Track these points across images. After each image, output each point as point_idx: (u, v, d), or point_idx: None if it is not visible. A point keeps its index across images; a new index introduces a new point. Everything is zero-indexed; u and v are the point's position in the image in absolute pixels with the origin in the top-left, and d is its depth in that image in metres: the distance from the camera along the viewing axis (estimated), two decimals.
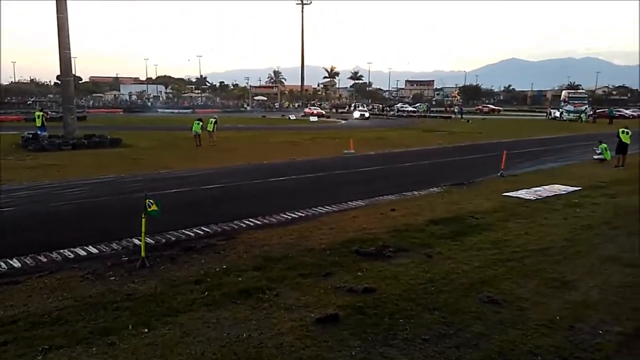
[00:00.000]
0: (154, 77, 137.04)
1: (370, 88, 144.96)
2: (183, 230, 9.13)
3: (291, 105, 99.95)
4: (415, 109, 79.69)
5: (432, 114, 74.06)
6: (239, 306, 5.77)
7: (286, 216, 10.50)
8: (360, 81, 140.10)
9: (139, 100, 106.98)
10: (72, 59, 25.84)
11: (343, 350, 4.78)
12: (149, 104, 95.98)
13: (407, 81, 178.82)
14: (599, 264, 7.49)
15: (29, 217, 10.25)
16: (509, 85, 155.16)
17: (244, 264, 7.28)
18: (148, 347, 4.82)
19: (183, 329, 5.18)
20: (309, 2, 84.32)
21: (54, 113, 40.05)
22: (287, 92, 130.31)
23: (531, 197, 12.61)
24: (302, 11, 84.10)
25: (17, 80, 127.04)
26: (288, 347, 4.82)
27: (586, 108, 59.36)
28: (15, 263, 7.28)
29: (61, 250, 7.82)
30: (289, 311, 5.64)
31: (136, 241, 8.18)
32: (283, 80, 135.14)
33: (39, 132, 24.67)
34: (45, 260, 7.45)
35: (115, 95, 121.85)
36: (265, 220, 10.09)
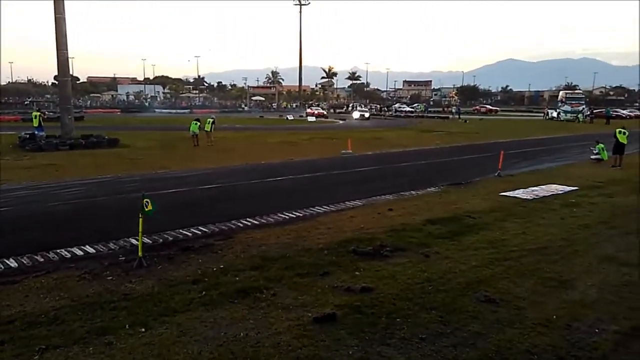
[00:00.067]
0: (151, 77, 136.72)
1: (368, 88, 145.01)
2: (180, 230, 9.12)
3: (289, 106, 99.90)
4: (412, 109, 79.66)
5: (429, 115, 74.04)
6: (237, 306, 5.77)
7: (284, 216, 10.50)
8: (358, 81, 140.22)
9: (137, 101, 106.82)
10: (70, 59, 25.79)
11: (340, 350, 4.78)
12: (147, 104, 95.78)
13: (404, 81, 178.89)
14: (596, 264, 7.50)
15: (26, 217, 10.23)
16: (507, 86, 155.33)
17: (242, 263, 7.28)
18: (145, 346, 4.81)
19: (180, 329, 5.18)
20: (307, 2, 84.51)
21: (51, 113, 39.97)
22: (285, 92, 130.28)
23: (528, 197, 12.64)
24: (300, 12, 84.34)
25: (14, 80, 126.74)
26: (285, 347, 4.82)
27: (583, 108, 59.50)
28: (12, 263, 7.26)
29: (58, 250, 7.81)
30: (287, 311, 5.64)
31: (133, 241, 8.16)
32: (281, 81, 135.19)
33: (36, 132, 24.61)
34: (42, 260, 7.44)
35: (112, 95, 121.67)
36: (262, 220, 10.09)
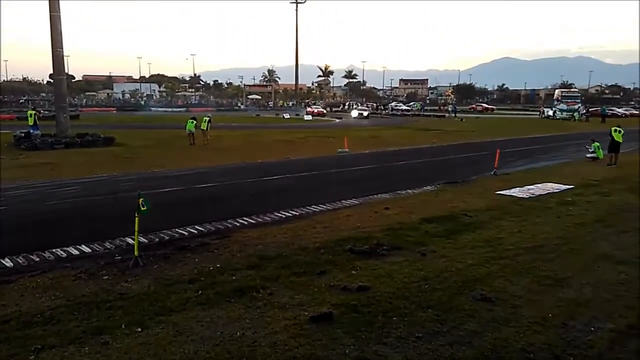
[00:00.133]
0: (147, 76, 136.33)
1: (364, 87, 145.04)
2: (177, 229, 9.10)
3: (285, 104, 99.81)
4: (409, 108, 79.76)
5: (426, 113, 74.14)
6: (233, 305, 5.76)
7: (280, 215, 10.49)
8: (355, 80, 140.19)
9: (133, 99, 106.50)
10: (65, 58, 25.71)
11: (337, 349, 4.78)
12: (143, 102, 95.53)
13: (401, 80, 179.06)
14: (591, 262, 7.53)
15: (21, 216, 10.18)
16: (503, 84, 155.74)
17: (238, 262, 7.27)
18: (141, 346, 4.80)
19: (176, 328, 5.16)
20: (303, 1, 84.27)
21: (46, 112, 39.83)
22: (281, 90, 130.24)
23: (524, 196, 12.67)
24: (297, 10, 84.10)
25: (9, 78, 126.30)
26: (282, 346, 4.82)
27: (579, 107, 59.65)
28: (8, 262, 7.23)
29: (54, 250, 7.78)
30: (283, 310, 5.64)
31: (129, 240, 8.14)
32: (277, 79, 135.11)
33: (31, 131, 24.52)
34: (37, 259, 7.41)
35: (108, 93, 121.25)
36: (259, 219, 10.08)
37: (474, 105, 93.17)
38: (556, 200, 12.10)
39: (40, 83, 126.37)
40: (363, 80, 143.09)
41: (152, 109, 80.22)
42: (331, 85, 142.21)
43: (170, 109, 79.12)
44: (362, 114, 63.01)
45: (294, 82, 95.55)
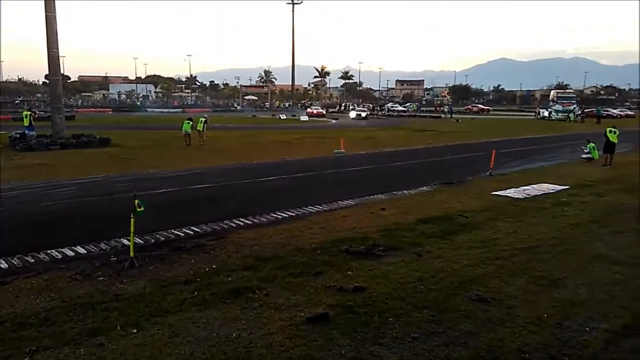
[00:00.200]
0: (143, 77, 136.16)
1: (360, 88, 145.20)
2: (172, 230, 9.08)
3: (281, 105, 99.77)
4: (405, 109, 79.84)
5: (422, 114, 74.28)
6: (229, 306, 5.76)
7: (276, 216, 10.48)
8: (351, 81, 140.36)
9: (128, 100, 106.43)
10: (61, 58, 25.66)
11: (333, 349, 4.78)
12: (139, 103, 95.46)
13: (397, 81, 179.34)
14: (587, 262, 7.55)
15: (16, 217, 10.14)
16: (498, 85, 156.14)
17: (234, 263, 7.26)
18: (137, 347, 4.79)
19: (172, 329, 5.15)
20: (299, 1, 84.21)
21: (42, 112, 39.75)
22: (277, 91, 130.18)
23: (520, 196, 12.70)
24: (293, 11, 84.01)
25: (4, 79, 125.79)
26: (278, 347, 4.81)
27: (574, 108, 59.84)
28: (2, 264, 7.20)
29: (49, 251, 7.75)
30: (279, 311, 5.63)
31: (125, 241, 8.12)
32: (274, 80, 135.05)
33: (26, 132, 24.43)
34: (32, 260, 7.38)
35: (104, 94, 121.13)
36: (255, 220, 10.07)
37: (469, 106, 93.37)
38: (552, 201, 12.14)
39: (35, 84, 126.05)
40: (359, 81, 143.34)
41: (148, 109, 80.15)
42: (327, 86, 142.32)
43: (166, 110, 79.04)
44: (360, 114, 62.24)
45: (290, 83, 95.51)
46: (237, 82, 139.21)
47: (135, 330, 5.11)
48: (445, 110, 73.92)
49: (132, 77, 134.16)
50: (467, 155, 22.61)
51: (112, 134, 26.91)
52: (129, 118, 55.47)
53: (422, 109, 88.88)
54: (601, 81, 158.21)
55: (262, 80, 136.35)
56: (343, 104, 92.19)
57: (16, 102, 72.86)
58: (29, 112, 26.06)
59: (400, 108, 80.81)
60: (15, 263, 7.26)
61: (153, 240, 8.49)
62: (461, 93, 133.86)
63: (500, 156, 18.63)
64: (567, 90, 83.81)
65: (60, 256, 7.59)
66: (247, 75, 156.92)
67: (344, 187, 14.06)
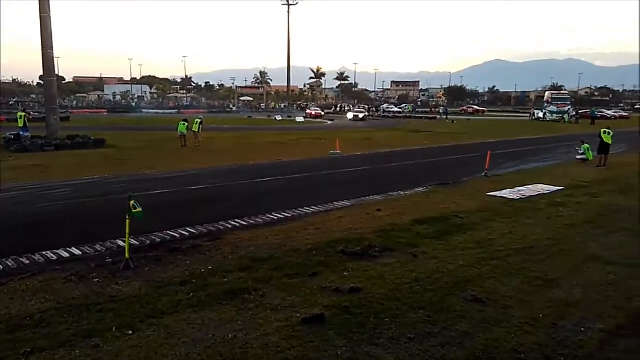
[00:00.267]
0: (138, 77, 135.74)
1: (356, 89, 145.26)
2: (168, 232, 9.07)
3: (277, 106, 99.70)
4: (400, 110, 79.91)
5: (417, 115, 74.30)
6: (225, 307, 5.75)
7: (272, 217, 10.48)
8: (347, 82, 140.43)
9: (124, 101, 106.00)
10: (55, 59, 25.55)
11: (329, 350, 4.79)
12: (134, 104, 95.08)
13: (392, 82, 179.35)
14: (581, 263, 7.59)
15: (11, 219, 10.10)
16: (494, 86, 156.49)
17: (230, 264, 7.26)
18: (132, 349, 4.78)
19: (168, 331, 5.15)
20: (295, 2, 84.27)
21: (36, 113, 39.52)
22: (273, 92, 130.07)
23: (515, 197, 12.74)
24: (289, 11, 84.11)
25: None
26: (274, 348, 4.81)
27: (569, 109, 60.14)
28: None
29: (44, 252, 7.72)
30: (275, 311, 5.63)
31: (120, 242, 8.10)
32: (269, 81, 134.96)
33: (21, 133, 24.36)
34: (27, 262, 7.36)
35: (99, 95, 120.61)
36: (251, 221, 10.07)
37: (465, 107, 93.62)
38: (546, 202, 12.19)
39: (30, 85, 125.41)
40: (355, 82, 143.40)
41: (144, 110, 79.84)
42: (323, 87, 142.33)
43: (161, 111, 78.75)
44: (357, 116, 60.59)
45: (286, 84, 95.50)
46: (233, 83, 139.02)
47: (130, 332, 5.10)
48: (441, 111, 74.02)
49: (127, 78, 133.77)
50: (463, 156, 22.67)
51: (107, 135, 26.84)
52: (124, 119, 55.29)
53: (417, 110, 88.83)
54: (595, 82, 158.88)
55: (258, 81, 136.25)
56: (339, 105, 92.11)
57: (10, 103, 72.40)
58: (24, 113, 25.98)
59: (396, 109, 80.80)
60: (10, 264, 7.23)
61: (148, 242, 8.47)
62: (456, 94, 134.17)
63: (496, 157, 18.70)
64: (562, 92, 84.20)
65: (55, 257, 7.57)
66: (242, 76, 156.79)
67: (339, 188, 14.07)
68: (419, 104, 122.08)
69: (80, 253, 7.82)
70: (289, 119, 59.99)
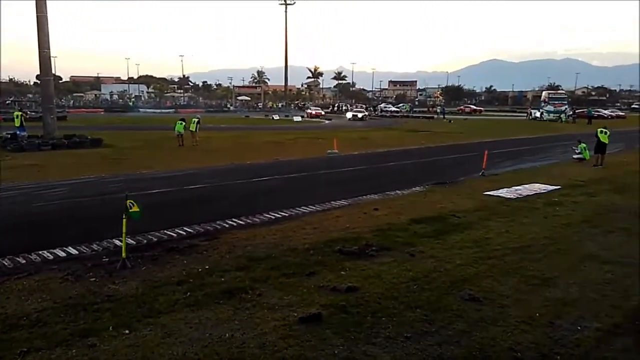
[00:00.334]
0: (135, 77, 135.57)
1: (353, 88, 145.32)
2: (165, 231, 9.05)
3: (275, 106, 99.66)
4: (398, 110, 79.96)
5: (414, 115, 74.41)
6: (222, 306, 5.74)
7: (269, 216, 10.47)
8: (344, 81, 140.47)
9: (121, 100, 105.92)
10: (52, 58, 25.49)
11: (326, 349, 4.78)
12: (131, 103, 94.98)
13: (390, 81, 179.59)
14: (578, 262, 7.61)
15: (7, 218, 10.05)
16: (491, 86, 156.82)
17: (227, 264, 7.25)
18: (129, 348, 4.77)
19: (165, 330, 5.14)
20: (292, 2, 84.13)
21: (33, 113, 39.49)
22: (270, 92, 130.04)
23: (512, 196, 12.76)
24: (286, 11, 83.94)
25: None
26: (271, 347, 4.81)
27: (566, 108, 60.24)
28: None
29: (40, 252, 7.70)
30: (272, 311, 5.63)
31: (117, 242, 8.07)
32: (267, 80, 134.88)
33: (18, 132, 24.25)
34: (23, 261, 7.33)
35: (96, 95, 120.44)
36: (248, 220, 10.06)
37: (462, 107, 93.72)
38: (543, 201, 12.21)
39: (26, 84, 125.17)
40: (352, 82, 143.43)
41: (141, 110, 79.78)
42: (320, 86, 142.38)
43: (158, 110, 78.69)
44: (356, 116, 59.19)
45: (283, 84, 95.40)
46: (230, 83, 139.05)
47: (127, 331, 5.09)
48: (438, 110, 74.15)
49: (125, 78, 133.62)
50: (460, 156, 22.70)
51: (104, 135, 26.78)
52: (121, 118, 55.22)
53: (414, 109, 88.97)
54: (592, 82, 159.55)
55: (255, 80, 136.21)
56: (336, 105, 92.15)
57: (7, 102, 72.27)
58: (20, 113, 25.88)
59: (393, 109, 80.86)
60: (6, 264, 7.20)
61: (145, 241, 8.45)
62: (453, 94, 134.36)
63: (493, 156, 18.72)
64: (559, 91, 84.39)
65: (51, 257, 7.55)
66: (240, 76, 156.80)
67: (337, 187, 14.07)
68: (417, 103, 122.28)
69: (77, 252, 7.80)
70: (286, 119, 59.97)
